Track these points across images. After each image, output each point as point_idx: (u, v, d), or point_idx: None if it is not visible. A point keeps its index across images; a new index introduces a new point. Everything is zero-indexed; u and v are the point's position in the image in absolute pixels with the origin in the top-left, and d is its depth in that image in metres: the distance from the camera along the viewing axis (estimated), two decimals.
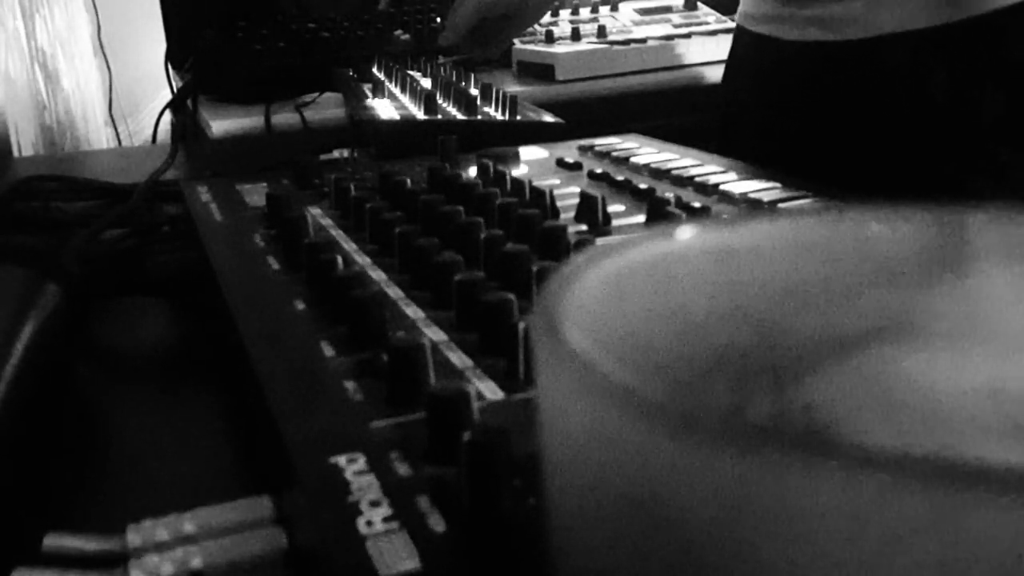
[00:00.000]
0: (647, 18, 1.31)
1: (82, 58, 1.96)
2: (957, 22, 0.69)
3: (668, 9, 1.33)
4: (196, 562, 0.23)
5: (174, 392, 0.39)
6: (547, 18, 1.33)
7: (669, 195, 0.47)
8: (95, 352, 0.43)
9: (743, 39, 0.85)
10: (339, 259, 0.36)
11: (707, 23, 1.28)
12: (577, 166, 0.55)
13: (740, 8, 0.86)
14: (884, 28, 0.71)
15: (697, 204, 0.44)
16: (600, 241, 0.40)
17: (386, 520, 0.21)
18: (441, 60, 1.04)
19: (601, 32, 1.23)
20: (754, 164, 0.54)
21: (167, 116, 1.04)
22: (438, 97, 0.78)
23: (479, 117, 0.73)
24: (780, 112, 0.79)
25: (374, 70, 0.95)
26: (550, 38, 1.24)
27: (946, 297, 0.17)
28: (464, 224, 0.39)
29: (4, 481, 0.30)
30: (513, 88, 0.99)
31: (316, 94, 1.00)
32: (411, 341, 0.27)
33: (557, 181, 0.52)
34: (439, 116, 0.73)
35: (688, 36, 1.20)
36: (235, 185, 0.54)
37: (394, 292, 0.36)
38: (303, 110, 0.96)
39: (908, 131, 0.72)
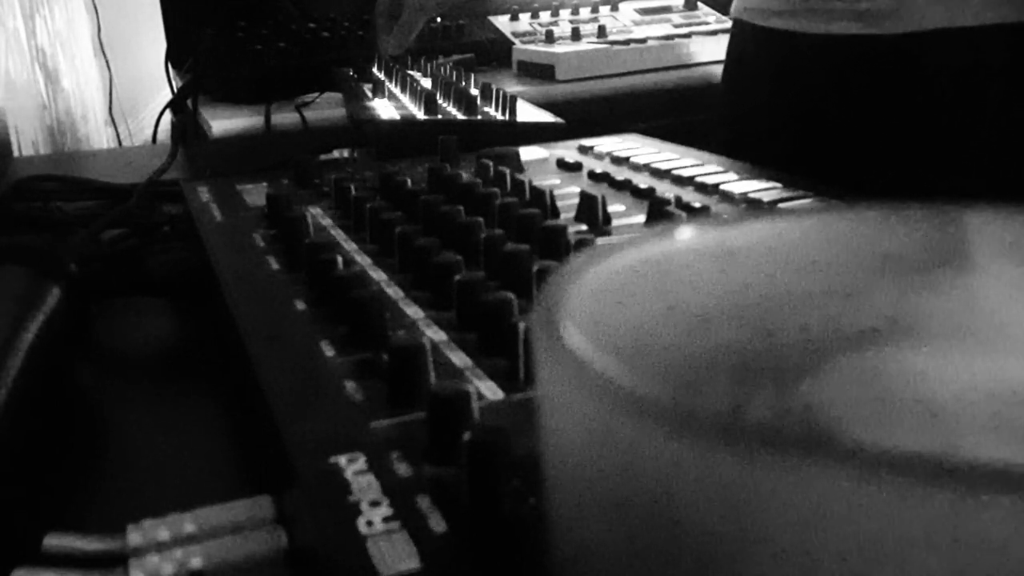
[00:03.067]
0: (647, 18, 1.31)
1: (82, 58, 1.96)
2: (1020, 22, 0.65)
3: (668, 9, 1.33)
4: (196, 562, 0.23)
5: (174, 392, 0.39)
6: (547, 18, 1.33)
7: (669, 195, 0.47)
8: (95, 352, 0.43)
9: (747, 34, 0.81)
10: (339, 259, 0.36)
11: (707, 23, 1.28)
12: (577, 166, 0.55)
13: (739, 3, 0.84)
14: (928, 23, 0.67)
15: (697, 204, 0.44)
16: (600, 241, 0.40)
17: (386, 520, 0.21)
18: (441, 60, 1.04)
19: (601, 32, 1.23)
20: (764, 162, 0.53)
21: (167, 116, 1.04)
22: (438, 97, 0.78)
23: (479, 117, 0.73)
24: (796, 108, 0.76)
25: (374, 70, 0.95)
26: (550, 38, 1.24)
27: (946, 297, 0.17)
28: (464, 224, 0.39)
29: (4, 481, 0.30)
30: (513, 88, 0.99)
31: (316, 94, 1.00)
32: (411, 341, 0.27)
33: (557, 181, 0.52)
34: (439, 116, 0.73)
35: (688, 36, 1.20)
36: (235, 185, 0.54)
37: (394, 292, 0.36)
38: (303, 110, 0.96)
39: (950, 131, 0.68)
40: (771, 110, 0.79)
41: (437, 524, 0.21)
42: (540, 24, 1.30)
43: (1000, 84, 0.67)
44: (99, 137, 2.00)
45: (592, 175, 0.53)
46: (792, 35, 0.75)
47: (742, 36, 0.83)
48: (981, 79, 0.67)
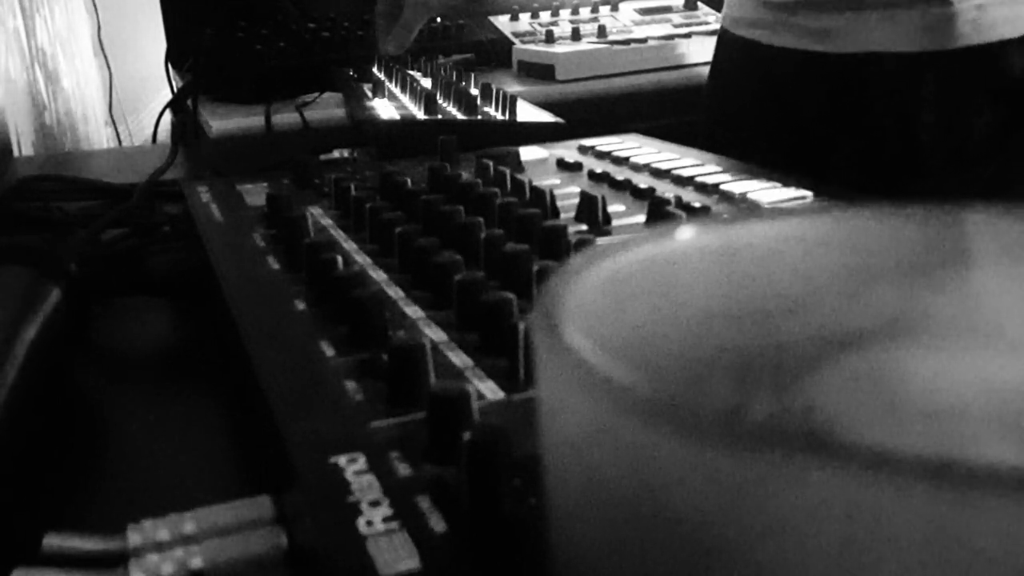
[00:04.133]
0: (647, 18, 1.31)
1: (82, 58, 1.95)
2: (949, 50, 0.69)
3: (668, 9, 1.33)
4: (196, 562, 0.23)
5: (174, 392, 0.39)
6: (547, 18, 1.33)
7: (669, 195, 0.47)
8: (95, 352, 0.43)
9: (727, 42, 0.85)
10: (339, 259, 0.36)
11: (707, 23, 1.28)
12: (577, 166, 0.55)
13: (724, 11, 0.86)
14: (871, 46, 0.71)
15: (697, 204, 0.44)
16: (600, 241, 0.40)
17: (386, 520, 0.21)
18: (441, 60, 1.04)
19: (601, 32, 1.23)
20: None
21: (167, 116, 1.04)
22: (438, 97, 0.78)
23: (479, 117, 0.73)
24: (771, 118, 0.79)
25: (374, 70, 0.95)
26: (550, 38, 1.24)
27: (946, 297, 0.17)
28: (464, 224, 0.39)
29: (4, 481, 0.30)
30: (513, 88, 0.99)
31: (316, 94, 1.00)
32: (411, 341, 0.27)
33: (557, 181, 0.52)
34: (439, 116, 0.73)
35: (688, 36, 1.20)
36: (235, 185, 0.54)
37: (394, 292, 0.36)
38: (303, 110, 0.96)
39: (891, 145, 0.73)
40: (751, 118, 0.82)
41: (437, 524, 0.21)
42: (540, 24, 1.30)
43: (931, 104, 0.71)
44: (99, 137, 2.00)
45: (592, 175, 0.53)
46: (770, 48, 0.78)
47: (726, 45, 0.86)
48: (916, 99, 0.71)
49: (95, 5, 2.06)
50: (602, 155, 0.58)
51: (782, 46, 0.76)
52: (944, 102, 0.70)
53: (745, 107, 0.83)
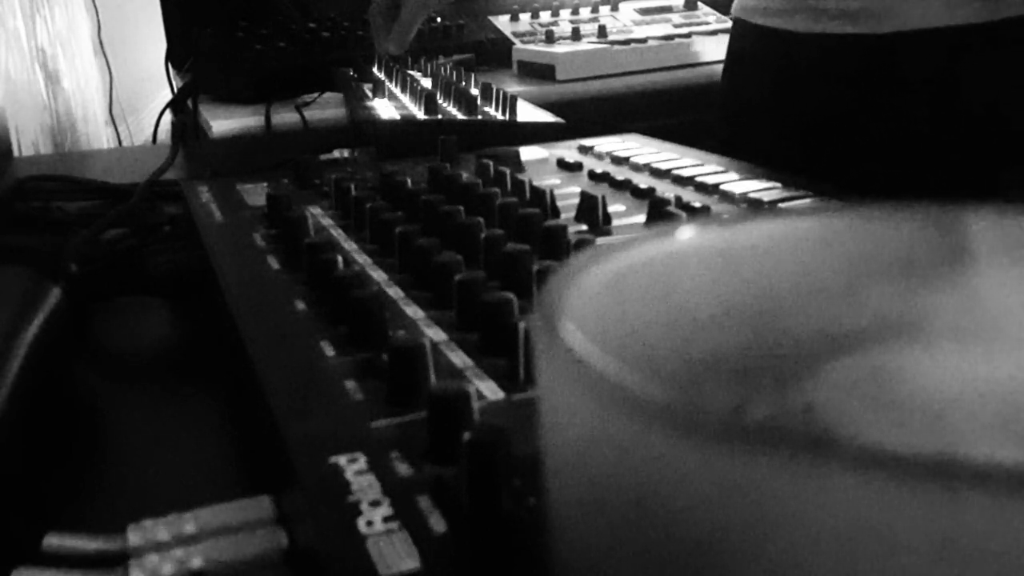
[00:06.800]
0: (647, 18, 1.31)
1: (82, 58, 1.95)
2: (997, 21, 0.66)
3: (668, 9, 1.33)
4: (196, 562, 0.23)
5: (174, 392, 0.39)
6: (547, 18, 1.33)
7: (669, 195, 0.47)
8: (95, 352, 0.43)
9: (745, 33, 0.82)
10: (339, 259, 0.36)
11: (707, 23, 1.28)
12: (577, 166, 0.55)
13: (739, 2, 0.84)
14: (910, 23, 0.68)
15: (697, 204, 0.44)
16: (600, 241, 0.40)
17: (386, 520, 0.21)
18: (441, 60, 1.04)
19: (601, 32, 1.23)
20: (761, 161, 0.53)
21: (167, 116, 1.04)
22: (438, 97, 0.78)
23: (479, 117, 0.73)
24: (790, 107, 0.77)
25: (374, 70, 0.95)
26: (550, 38, 1.24)
27: (946, 296, 0.17)
28: (464, 224, 0.39)
29: (4, 481, 0.30)
30: (513, 88, 0.99)
31: (316, 94, 1.00)
32: (411, 341, 0.27)
33: (557, 181, 0.52)
34: (439, 116, 0.73)
35: (688, 36, 1.20)
36: (235, 185, 0.54)
37: (394, 292, 0.36)
38: (303, 110, 0.96)
39: (931, 128, 0.69)
40: (769, 108, 0.80)
41: (437, 524, 0.21)
42: (540, 24, 1.30)
43: (978, 86, 0.68)
44: (99, 137, 2.00)
45: (592, 175, 0.53)
46: (789, 34, 0.76)
47: (742, 35, 0.84)
48: (964, 76, 0.68)
49: (95, 5, 2.06)
50: (602, 155, 0.58)
51: (807, 31, 0.74)
52: (993, 82, 0.67)
53: (763, 101, 0.80)
